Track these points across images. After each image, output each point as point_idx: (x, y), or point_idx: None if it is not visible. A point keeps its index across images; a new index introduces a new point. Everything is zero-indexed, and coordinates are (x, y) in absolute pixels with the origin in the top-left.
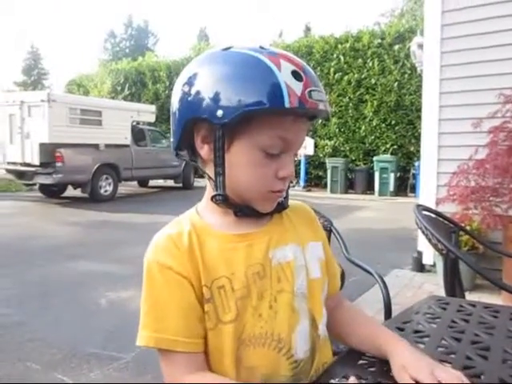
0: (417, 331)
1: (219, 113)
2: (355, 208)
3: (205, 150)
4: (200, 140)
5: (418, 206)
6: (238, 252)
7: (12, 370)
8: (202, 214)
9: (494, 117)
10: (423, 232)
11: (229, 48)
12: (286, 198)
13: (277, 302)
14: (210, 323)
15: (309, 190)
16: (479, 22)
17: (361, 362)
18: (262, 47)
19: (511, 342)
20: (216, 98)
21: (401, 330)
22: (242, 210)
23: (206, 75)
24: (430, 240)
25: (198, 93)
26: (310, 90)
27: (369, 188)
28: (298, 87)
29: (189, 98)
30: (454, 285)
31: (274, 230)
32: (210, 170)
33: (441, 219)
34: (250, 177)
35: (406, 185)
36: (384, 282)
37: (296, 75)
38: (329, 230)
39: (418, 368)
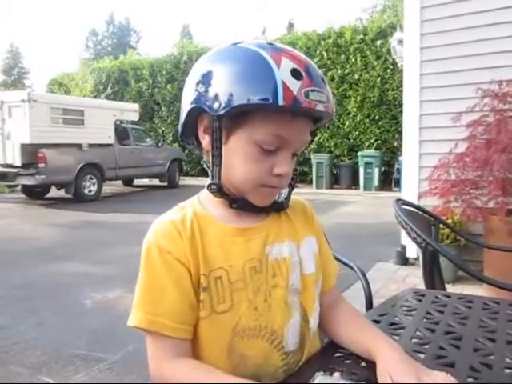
0: (392, 323)
1: (216, 105)
2: (340, 203)
3: (206, 141)
4: (202, 130)
5: (398, 200)
6: (237, 246)
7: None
8: (204, 204)
9: (472, 111)
10: (402, 226)
11: (238, 43)
12: (287, 199)
13: (271, 297)
14: (204, 312)
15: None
16: (457, 18)
17: (337, 354)
18: (270, 43)
19: (483, 332)
20: (215, 91)
21: (377, 322)
22: (237, 202)
23: (211, 68)
24: (409, 234)
25: (201, 84)
26: (308, 90)
27: (354, 183)
28: (295, 86)
29: (194, 89)
30: (433, 277)
31: (271, 226)
32: (209, 160)
33: (421, 213)
34: (245, 170)
35: (390, 179)
36: (365, 276)
37: (295, 74)
38: None
39: (402, 374)
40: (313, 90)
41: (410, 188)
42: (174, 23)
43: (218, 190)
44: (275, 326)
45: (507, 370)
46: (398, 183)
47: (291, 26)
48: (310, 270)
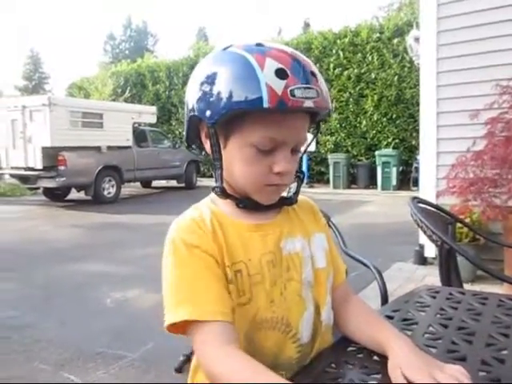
0: (405, 319)
1: (208, 113)
2: (358, 203)
3: (208, 146)
4: (204, 136)
5: (414, 198)
6: (254, 241)
7: (20, 370)
8: (217, 203)
9: (491, 108)
10: (418, 224)
11: (228, 47)
12: (296, 193)
13: (286, 290)
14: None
15: (311, 186)
16: (474, 14)
17: (350, 348)
18: (259, 44)
19: (497, 327)
20: (206, 98)
21: (390, 318)
22: (243, 201)
23: (202, 76)
24: (425, 232)
25: (195, 93)
26: (294, 88)
27: (371, 183)
28: (279, 86)
29: (190, 98)
30: (449, 275)
31: (283, 222)
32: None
33: (437, 211)
34: (245, 172)
35: (408, 178)
36: (380, 274)
37: (280, 73)
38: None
39: (413, 368)
40: (299, 88)
41: (428, 187)
42: (190, 26)
43: (222, 192)
44: (290, 319)
45: None
46: (416, 182)
47: (307, 25)
48: (322, 265)
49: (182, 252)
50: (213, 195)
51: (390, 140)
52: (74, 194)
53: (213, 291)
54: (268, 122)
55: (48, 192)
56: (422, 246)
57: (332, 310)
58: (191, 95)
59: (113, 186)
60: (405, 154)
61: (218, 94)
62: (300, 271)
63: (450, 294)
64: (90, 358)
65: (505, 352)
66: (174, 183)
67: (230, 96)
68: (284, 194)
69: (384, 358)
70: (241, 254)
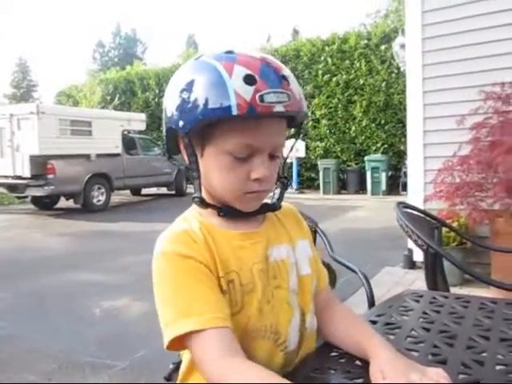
0: (388, 323)
1: (181, 123)
2: (348, 208)
3: (186, 156)
4: (182, 147)
5: (399, 203)
6: (245, 249)
7: (9, 381)
8: (203, 214)
9: (476, 113)
10: (403, 229)
11: (199, 57)
12: (280, 199)
13: (274, 298)
14: None
15: (301, 192)
16: (458, 21)
17: (332, 354)
18: (229, 51)
19: (478, 330)
20: (178, 110)
21: (373, 322)
22: (224, 210)
23: (174, 87)
24: (410, 236)
25: (168, 105)
26: (263, 94)
27: (361, 188)
28: (248, 93)
29: (165, 110)
30: (435, 279)
31: (269, 230)
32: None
33: (423, 216)
34: (223, 180)
35: (397, 183)
36: (367, 279)
37: (248, 80)
38: (314, 231)
39: (394, 372)
40: (268, 93)
41: (416, 191)
42: (180, 33)
43: (201, 202)
44: (279, 326)
45: (498, 367)
46: (405, 187)
47: (296, 32)
48: (306, 271)
49: (176, 263)
50: (197, 207)
51: (378, 145)
52: (62, 203)
53: (212, 299)
54: (241, 129)
55: (36, 200)
56: (410, 251)
57: (315, 315)
58: (166, 107)
59: (102, 194)
60: (394, 159)
61: (189, 104)
62: (287, 278)
63: (434, 298)
64: (79, 367)
65: (484, 354)
66: (164, 190)
67: (200, 105)
68: (268, 200)
69: (366, 363)
70: (233, 264)
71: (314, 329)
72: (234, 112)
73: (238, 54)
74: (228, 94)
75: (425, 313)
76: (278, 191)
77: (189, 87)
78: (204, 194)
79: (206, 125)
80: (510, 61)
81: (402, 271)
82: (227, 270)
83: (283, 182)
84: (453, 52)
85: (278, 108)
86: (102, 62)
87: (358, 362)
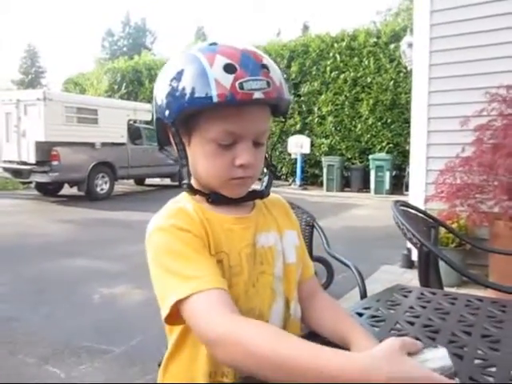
0: (374, 316)
1: (167, 113)
2: (350, 206)
3: (174, 146)
4: (171, 137)
5: (396, 202)
6: (235, 233)
7: (5, 363)
8: (195, 199)
9: (480, 115)
10: (399, 227)
11: (187, 50)
12: (268, 187)
13: (258, 282)
14: None
15: (305, 189)
16: (467, 22)
17: (316, 342)
18: (212, 43)
19: (461, 326)
20: (164, 100)
21: (360, 314)
22: (211, 196)
23: (161, 78)
24: (405, 234)
25: (156, 95)
26: (243, 81)
27: (365, 186)
28: (227, 80)
29: (154, 101)
30: (427, 277)
31: (258, 217)
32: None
33: (421, 215)
34: (208, 167)
35: (401, 183)
36: (360, 274)
37: (228, 68)
38: (311, 226)
39: None
40: (247, 80)
41: (417, 191)
42: (189, 25)
43: (190, 188)
44: (262, 310)
45: (477, 361)
46: (408, 187)
47: (306, 28)
48: (292, 260)
49: (174, 235)
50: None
51: (384, 144)
52: (66, 190)
53: (211, 266)
54: (224, 117)
55: (40, 187)
56: (409, 250)
57: (299, 304)
58: (155, 97)
59: (106, 183)
60: (398, 158)
61: (173, 94)
62: (272, 265)
63: (422, 293)
64: (75, 351)
65: (465, 349)
66: (167, 181)
67: (183, 95)
68: (257, 187)
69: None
70: (223, 245)
71: (298, 316)
72: (215, 99)
73: (220, 46)
74: (209, 82)
75: (411, 307)
76: (266, 178)
77: (172, 78)
78: (193, 182)
79: (191, 114)
80: None
81: (400, 270)
82: (218, 249)
83: (271, 169)
84: (460, 53)
85: (258, 95)
86: (111, 51)
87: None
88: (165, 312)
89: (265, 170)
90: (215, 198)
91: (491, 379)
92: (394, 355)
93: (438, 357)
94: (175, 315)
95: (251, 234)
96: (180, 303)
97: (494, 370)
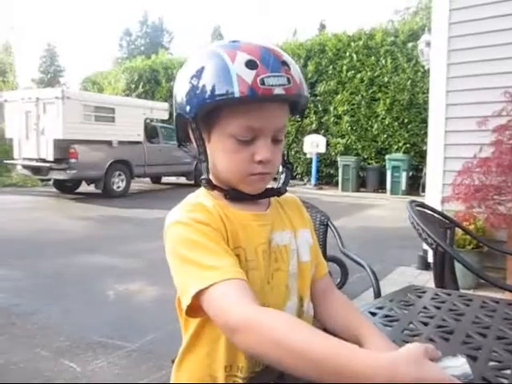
0: (387, 316)
1: (187, 108)
2: (366, 206)
3: (194, 141)
4: (191, 132)
5: (412, 202)
6: (252, 230)
7: (22, 356)
8: (213, 195)
9: (499, 115)
10: (414, 227)
11: (207, 46)
12: (285, 184)
13: (273, 279)
14: None
15: (320, 188)
16: (486, 21)
17: None
18: (234, 41)
19: (476, 327)
20: (185, 95)
21: (372, 314)
22: (230, 192)
23: (182, 74)
24: (420, 235)
25: (177, 92)
26: (264, 77)
27: (381, 187)
28: (249, 76)
29: (175, 97)
30: (442, 278)
31: (274, 215)
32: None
33: (437, 216)
34: (227, 163)
35: (418, 184)
36: (374, 274)
37: (250, 64)
38: (325, 225)
39: None
40: (268, 76)
41: (434, 192)
42: (206, 25)
43: (208, 184)
44: (276, 307)
45: (491, 363)
46: (425, 188)
47: (323, 27)
48: (306, 258)
49: (194, 227)
50: (204, 189)
51: (400, 144)
52: (84, 187)
53: (230, 257)
54: (244, 112)
55: (58, 184)
56: (425, 252)
57: (312, 302)
58: (176, 94)
59: (122, 181)
60: (415, 159)
61: (195, 89)
62: (287, 262)
63: (436, 294)
64: (91, 346)
65: (480, 351)
66: (183, 180)
67: (205, 90)
68: (274, 185)
69: None
70: (241, 241)
71: (311, 314)
72: (237, 94)
73: (241, 43)
74: (231, 78)
75: (425, 308)
76: (283, 176)
77: (195, 74)
78: (211, 177)
79: (211, 109)
80: None
81: (416, 272)
82: (236, 245)
83: (288, 167)
84: (479, 52)
85: (278, 91)
86: (129, 50)
87: None
88: (186, 303)
89: (281, 168)
90: (233, 195)
91: (505, 381)
92: (421, 359)
93: (458, 365)
94: (196, 307)
95: (268, 232)
96: (200, 293)
97: (508, 372)
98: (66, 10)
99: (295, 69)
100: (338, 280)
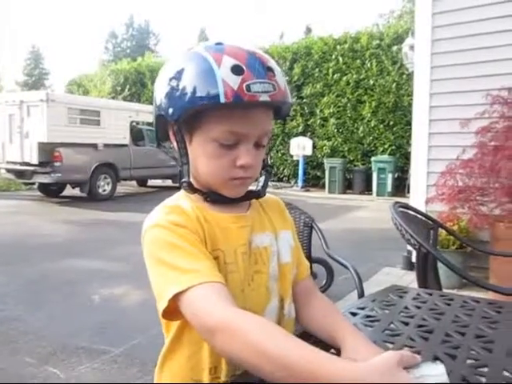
0: (368, 316)
1: (170, 111)
2: (352, 208)
3: (175, 143)
4: (171, 134)
5: (395, 203)
6: (231, 232)
7: (6, 362)
8: (192, 198)
9: (481, 117)
10: (397, 228)
11: (191, 48)
12: (264, 187)
13: (253, 281)
14: None
15: (307, 190)
16: (468, 24)
17: (310, 342)
18: (218, 43)
19: (455, 326)
20: (168, 97)
21: (353, 314)
22: (210, 195)
23: (165, 76)
24: (403, 235)
25: (159, 93)
26: (250, 83)
27: (367, 188)
28: (235, 82)
29: (155, 98)
30: (426, 278)
31: (255, 216)
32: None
33: (420, 217)
34: (209, 167)
35: (403, 185)
36: (358, 275)
37: (236, 70)
38: (310, 226)
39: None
40: (254, 83)
41: (418, 193)
42: (193, 27)
43: (189, 187)
44: (256, 309)
45: (469, 361)
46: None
47: (309, 30)
48: (287, 260)
49: (171, 230)
50: (183, 192)
51: (386, 146)
52: (68, 191)
53: (208, 260)
54: (228, 117)
55: (43, 187)
56: (409, 252)
57: (294, 303)
58: (156, 95)
59: (108, 184)
60: (401, 160)
61: (179, 92)
62: (267, 264)
63: (418, 294)
64: (75, 352)
65: (458, 349)
66: (169, 183)
67: (189, 93)
68: (253, 188)
69: (340, 352)
70: (220, 243)
71: (293, 316)
72: (222, 100)
73: (226, 46)
74: (216, 82)
75: (406, 308)
76: (262, 179)
77: (179, 76)
78: (192, 180)
79: (195, 113)
80: None
81: (401, 272)
82: (214, 247)
83: (268, 170)
84: (461, 55)
85: (264, 97)
86: (114, 53)
87: (332, 351)
88: (162, 306)
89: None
90: (214, 198)
91: (483, 379)
92: (389, 369)
93: (435, 373)
94: (172, 310)
95: (247, 233)
96: (178, 296)
97: (486, 370)
98: (51, 12)
99: (280, 75)
100: (324, 281)
